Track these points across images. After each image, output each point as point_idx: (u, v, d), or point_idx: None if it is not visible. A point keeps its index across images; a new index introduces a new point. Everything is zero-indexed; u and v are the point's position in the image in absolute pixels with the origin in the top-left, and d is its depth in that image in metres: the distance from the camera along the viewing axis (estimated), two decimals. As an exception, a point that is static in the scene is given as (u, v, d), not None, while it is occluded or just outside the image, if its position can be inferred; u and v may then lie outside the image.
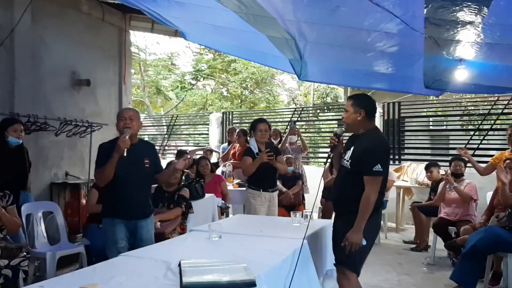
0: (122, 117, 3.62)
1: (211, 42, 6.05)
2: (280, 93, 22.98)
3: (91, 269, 2.64)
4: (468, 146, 8.31)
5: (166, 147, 13.16)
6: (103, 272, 2.47)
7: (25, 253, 3.70)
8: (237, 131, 7.88)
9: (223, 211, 6.38)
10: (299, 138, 7.84)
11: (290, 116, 11.53)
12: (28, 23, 6.27)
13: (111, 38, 8.24)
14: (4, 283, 3.44)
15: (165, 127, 13.93)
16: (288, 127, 8.61)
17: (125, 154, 3.45)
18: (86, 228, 5.17)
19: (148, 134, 13.92)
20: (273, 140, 7.06)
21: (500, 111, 8.57)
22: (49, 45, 6.82)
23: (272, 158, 4.78)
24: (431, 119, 10.84)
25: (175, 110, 20.97)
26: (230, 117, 11.91)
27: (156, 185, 4.84)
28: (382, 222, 4.05)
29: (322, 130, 12.12)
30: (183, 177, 5.75)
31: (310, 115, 12.64)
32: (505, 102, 8.42)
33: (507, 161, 4.93)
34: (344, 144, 3.52)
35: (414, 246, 6.62)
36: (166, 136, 13.37)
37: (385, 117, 9.35)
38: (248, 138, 5.91)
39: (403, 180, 8.21)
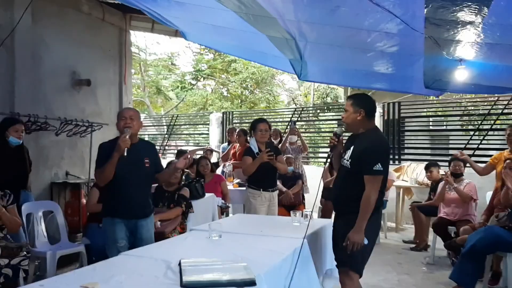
0: (123, 117, 3.62)
1: (211, 42, 6.06)
2: (280, 93, 23.00)
3: (91, 268, 2.65)
4: (468, 146, 8.33)
5: (166, 147, 13.17)
6: (103, 271, 2.47)
7: (25, 253, 3.70)
8: (237, 131, 7.88)
9: (223, 211, 6.39)
10: (299, 138, 7.85)
11: (290, 116, 11.54)
12: (29, 23, 6.27)
13: (111, 38, 8.24)
14: (4, 282, 3.44)
15: (165, 127, 13.93)
16: (288, 127, 8.62)
17: (125, 154, 3.45)
18: (86, 227, 5.17)
19: (148, 134, 13.93)
20: (273, 140, 7.06)
21: (500, 111, 8.57)
22: (49, 45, 6.82)
23: (272, 158, 4.79)
24: (431, 119, 10.84)
25: (175, 110, 20.98)
26: (230, 117, 11.92)
27: (156, 185, 4.84)
28: (382, 221, 4.05)
29: (322, 130, 12.12)
30: (183, 177, 5.75)
31: (310, 115, 12.64)
32: (505, 102, 8.42)
33: (508, 161, 4.93)
34: (343, 144, 3.53)
35: (413, 245, 6.62)
36: (166, 136, 13.38)
37: (385, 117, 9.36)
38: (248, 138, 5.91)
39: (403, 180, 8.22)
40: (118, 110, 6.67)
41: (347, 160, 3.31)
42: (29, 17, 6.23)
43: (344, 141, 3.58)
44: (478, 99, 9.19)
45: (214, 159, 8.81)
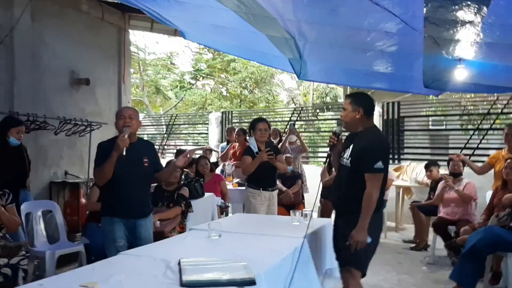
0: (122, 116, 3.62)
1: (211, 42, 6.05)
2: (279, 92, 23.00)
3: (90, 267, 2.64)
4: (468, 145, 8.33)
5: (165, 147, 13.16)
6: (102, 271, 2.47)
7: (24, 252, 3.70)
8: (236, 130, 7.88)
9: (223, 210, 6.39)
10: (298, 139, 7.84)
11: (290, 115, 11.54)
12: (28, 22, 6.27)
13: (110, 37, 8.24)
14: (3, 282, 3.44)
15: (164, 126, 13.92)
16: (288, 128, 8.61)
17: (124, 153, 3.45)
18: (85, 227, 5.17)
19: (147, 134, 13.92)
20: (272, 140, 7.06)
21: (499, 110, 8.58)
22: (48, 44, 6.82)
23: (272, 157, 4.79)
24: (430, 118, 10.84)
25: (174, 110, 20.98)
26: (230, 116, 11.91)
27: (155, 184, 4.84)
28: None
29: (322, 129, 12.12)
30: (183, 176, 5.75)
31: (310, 114, 12.64)
32: (505, 102, 8.42)
33: (508, 160, 4.93)
34: (343, 143, 3.53)
35: (413, 245, 6.62)
36: (165, 135, 13.37)
37: (385, 117, 9.36)
38: (248, 137, 5.91)
39: (402, 179, 8.21)
40: (117, 110, 6.68)
41: (347, 159, 3.31)
42: (28, 16, 6.23)
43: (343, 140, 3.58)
44: (478, 99, 9.19)
45: (213, 158, 8.81)
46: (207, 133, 12.22)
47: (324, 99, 18.81)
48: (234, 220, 4.59)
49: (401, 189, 7.95)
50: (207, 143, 11.71)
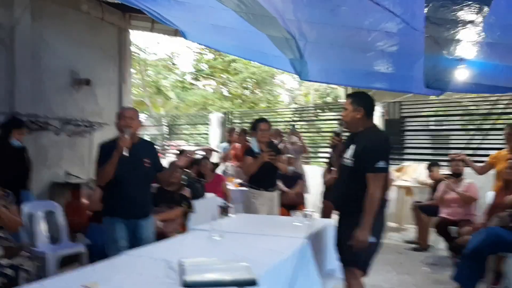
0: (123, 116, 3.63)
1: (211, 42, 6.04)
2: (280, 93, 22.98)
3: (92, 268, 2.64)
4: (469, 145, 8.31)
5: (166, 147, 13.16)
6: (104, 271, 2.47)
7: (26, 253, 3.70)
8: (237, 130, 7.89)
9: (224, 211, 6.38)
10: (300, 142, 7.84)
11: (291, 115, 11.54)
12: (28, 22, 6.28)
13: (111, 37, 8.25)
14: (5, 283, 3.44)
15: (165, 127, 13.93)
16: (288, 129, 8.60)
17: (125, 154, 3.45)
18: (87, 227, 5.17)
19: (148, 134, 13.93)
20: (273, 140, 7.05)
21: (500, 110, 8.56)
22: (49, 44, 6.83)
23: (273, 157, 4.79)
24: (431, 118, 10.82)
25: (175, 110, 20.98)
26: (231, 117, 11.92)
27: (157, 185, 4.84)
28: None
29: (323, 130, 12.11)
30: (184, 177, 5.75)
31: (311, 115, 12.63)
32: (506, 102, 8.41)
33: (510, 160, 4.93)
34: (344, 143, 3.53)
35: (415, 246, 6.62)
36: (166, 136, 13.37)
37: (386, 117, 9.35)
38: (249, 137, 5.91)
39: (404, 180, 8.20)
40: (118, 110, 6.69)
41: (349, 159, 3.30)
42: (28, 16, 6.24)
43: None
44: (479, 99, 9.16)
45: (214, 159, 8.81)
46: (208, 134, 12.22)
47: (325, 99, 18.79)
48: (235, 221, 4.59)
49: (402, 189, 7.95)
50: (208, 143, 11.71)
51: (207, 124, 12.47)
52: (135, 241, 3.65)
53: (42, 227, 4.77)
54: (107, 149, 3.56)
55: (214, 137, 11.80)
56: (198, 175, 6.30)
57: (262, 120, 5.24)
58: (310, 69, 5.27)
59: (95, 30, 7.77)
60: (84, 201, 6.63)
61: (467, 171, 6.12)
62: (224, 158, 8.12)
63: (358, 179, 3.21)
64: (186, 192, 5.02)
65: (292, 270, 2.90)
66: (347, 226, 3.25)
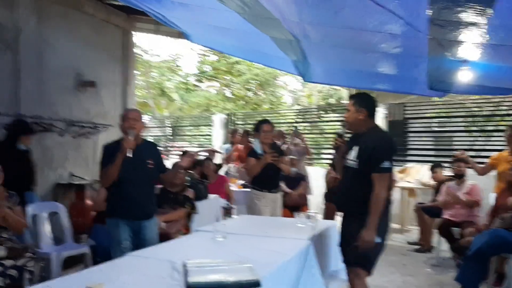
0: (127, 118, 3.64)
1: (215, 44, 6.06)
2: (283, 94, 22.96)
3: (97, 269, 2.66)
4: (472, 147, 8.30)
5: (170, 148, 13.17)
6: (109, 272, 2.48)
7: (30, 254, 3.71)
8: (239, 131, 7.90)
9: (227, 212, 6.40)
10: (302, 142, 7.84)
11: (294, 117, 11.54)
12: (33, 24, 6.31)
13: (115, 39, 8.28)
14: (9, 283, 3.45)
15: (169, 128, 13.95)
16: (291, 131, 8.60)
17: (129, 155, 3.47)
18: (91, 228, 5.19)
19: (152, 135, 13.95)
20: (276, 141, 7.06)
21: (504, 112, 8.55)
22: (54, 46, 6.85)
23: (276, 159, 4.79)
24: (435, 120, 10.82)
25: (179, 112, 21.00)
26: (234, 118, 11.93)
27: (160, 186, 4.86)
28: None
29: (326, 131, 12.11)
30: (188, 178, 5.76)
31: (314, 116, 12.63)
32: (509, 104, 8.39)
33: (512, 161, 4.93)
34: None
35: (418, 247, 6.61)
36: (170, 137, 13.40)
37: (389, 118, 9.35)
38: (252, 139, 5.91)
39: (407, 181, 8.20)
40: (122, 112, 6.72)
41: (353, 160, 3.31)
42: (33, 18, 6.27)
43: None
44: (482, 100, 9.15)
45: (218, 160, 8.82)
46: (211, 135, 12.24)
47: (328, 100, 18.78)
48: (239, 222, 4.59)
49: (405, 190, 7.94)
50: (211, 144, 11.72)
51: (210, 125, 12.48)
52: (139, 242, 3.66)
53: (46, 228, 4.79)
54: (111, 151, 3.57)
55: (217, 138, 11.81)
56: (201, 176, 6.32)
57: (265, 121, 5.24)
58: (313, 70, 5.29)
59: (99, 32, 7.80)
60: (88, 202, 6.66)
61: (469, 172, 6.11)
62: (227, 160, 8.13)
63: (362, 180, 3.21)
64: (189, 193, 5.03)
65: (295, 272, 2.91)
66: (352, 227, 3.25)
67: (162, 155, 4.14)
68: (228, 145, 8.95)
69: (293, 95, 22.97)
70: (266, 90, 21.31)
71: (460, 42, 3.59)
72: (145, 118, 13.39)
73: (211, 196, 5.77)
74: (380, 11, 2.99)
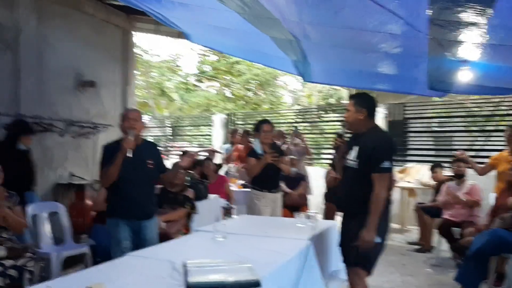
0: (127, 118, 3.64)
1: (215, 44, 6.06)
2: (283, 94, 22.96)
3: (97, 269, 2.66)
4: (472, 147, 8.30)
5: (170, 148, 13.18)
6: (109, 272, 2.49)
7: (30, 254, 3.71)
8: (239, 131, 7.90)
9: (227, 212, 6.39)
10: (303, 142, 7.84)
11: (294, 117, 11.54)
12: (33, 24, 6.31)
13: (115, 39, 8.28)
14: (9, 283, 3.45)
15: (169, 128, 13.96)
16: (291, 131, 8.61)
17: (129, 155, 3.47)
18: (91, 228, 5.20)
19: (152, 135, 13.95)
20: (276, 141, 7.06)
21: (504, 112, 8.55)
22: (54, 46, 6.86)
23: (277, 159, 4.79)
24: (435, 120, 10.83)
25: (179, 112, 21.01)
26: (234, 118, 11.94)
27: (160, 186, 4.86)
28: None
29: (326, 131, 12.11)
30: (188, 178, 5.77)
31: (314, 116, 12.63)
32: (509, 104, 8.39)
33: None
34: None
35: (418, 247, 6.61)
36: (170, 137, 13.40)
37: (389, 118, 9.35)
38: (252, 139, 5.91)
39: (407, 181, 8.20)
40: (122, 112, 6.72)
41: (353, 161, 3.31)
42: (33, 18, 6.27)
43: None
44: (482, 100, 9.15)
45: (217, 160, 8.82)
46: (211, 135, 12.24)
47: (328, 100, 18.78)
48: (239, 222, 4.59)
49: (405, 190, 7.94)
50: (211, 144, 11.72)
51: (210, 125, 12.49)
52: (139, 242, 3.66)
53: (46, 228, 4.79)
54: (111, 151, 3.57)
55: (217, 138, 11.81)
56: (201, 176, 6.32)
57: (265, 121, 5.24)
58: (313, 70, 5.30)
59: (99, 32, 7.80)
60: (88, 202, 6.66)
61: (469, 172, 6.12)
62: (227, 160, 8.13)
63: (362, 180, 3.22)
64: (190, 193, 5.03)
65: (295, 272, 2.91)
66: (353, 227, 3.25)
67: (162, 155, 4.14)
68: (228, 145, 8.95)
69: (293, 95, 22.97)
70: (266, 90, 21.32)
71: (460, 42, 3.59)
72: (145, 118, 13.40)
73: (211, 196, 5.78)
74: (380, 11, 3.00)
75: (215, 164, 6.99)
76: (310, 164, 9.67)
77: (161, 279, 2.35)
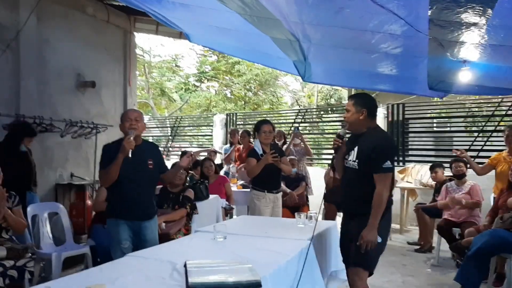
0: (127, 118, 3.63)
1: (216, 44, 6.06)
2: (283, 94, 22.98)
3: (98, 269, 2.66)
4: (472, 147, 8.31)
5: (170, 149, 13.19)
6: (110, 273, 2.48)
7: (30, 254, 3.71)
8: (240, 132, 7.90)
9: (227, 212, 6.40)
10: (303, 143, 7.84)
11: (294, 117, 11.55)
12: (34, 24, 6.31)
13: (116, 40, 8.29)
14: (9, 284, 3.45)
15: (169, 128, 13.97)
16: (292, 132, 8.62)
17: (130, 155, 3.47)
18: (91, 228, 5.20)
19: (152, 136, 13.96)
20: (277, 142, 7.06)
21: (504, 112, 8.56)
22: (54, 46, 6.86)
23: (277, 159, 4.79)
24: (435, 120, 10.85)
25: (179, 112, 21.03)
26: (234, 118, 11.94)
27: (161, 186, 4.86)
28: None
29: (326, 131, 12.12)
30: (188, 178, 5.77)
31: (314, 116, 12.64)
32: (509, 104, 8.40)
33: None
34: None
35: (418, 247, 6.61)
36: (170, 137, 13.42)
37: (390, 119, 9.35)
38: (252, 139, 5.91)
39: (407, 181, 8.20)
40: (122, 112, 6.73)
41: (354, 161, 3.30)
42: (34, 19, 6.27)
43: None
44: (482, 101, 9.17)
45: (218, 160, 8.82)
46: (211, 135, 12.25)
47: (329, 101, 18.79)
48: (239, 222, 4.59)
49: (405, 191, 7.94)
50: (212, 145, 11.73)
51: (210, 125, 12.50)
52: (139, 243, 3.66)
53: (46, 229, 4.79)
54: (111, 151, 3.57)
55: (217, 138, 11.82)
56: (201, 177, 6.32)
57: (265, 122, 5.23)
58: (313, 70, 5.29)
59: (100, 33, 7.81)
60: (88, 202, 6.66)
61: (469, 172, 6.12)
62: (227, 160, 8.13)
63: (363, 181, 3.22)
64: (190, 193, 5.02)
65: (295, 272, 2.91)
66: (353, 227, 3.25)
67: (162, 155, 4.14)
68: (227, 146, 8.95)
69: (294, 95, 22.99)
70: (266, 91, 21.34)
71: (460, 43, 3.59)
72: (146, 118, 13.40)
73: (211, 197, 5.77)
74: (380, 11, 3.00)
75: (215, 164, 6.99)
76: (310, 164, 9.68)
77: (161, 279, 2.35)
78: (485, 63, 4.24)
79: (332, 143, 3.58)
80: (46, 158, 6.66)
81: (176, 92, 21.89)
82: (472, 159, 6.38)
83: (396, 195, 7.63)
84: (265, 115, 13.46)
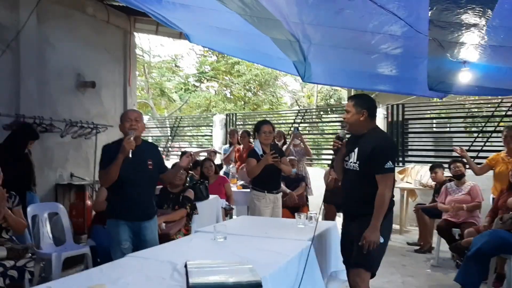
0: (127, 119, 3.63)
1: (215, 44, 6.07)
2: (283, 95, 22.98)
3: (98, 269, 2.66)
4: (472, 148, 8.31)
5: (170, 149, 13.19)
6: (110, 273, 2.49)
7: (30, 254, 3.71)
8: (240, 132, 7.91)
9: (227, 213, 6.40)
10: (302, 144, 7.85)
11: (294, 117, 11.55)
12: (34, 24, 6.31)
13: (116, 40, 8.29)
14: (10, 284, 3.45)
15: (169, 128, 13.97)
16: (292, 132, 8.62)
17: (130, 155, 3.47)
18: (91, 229, 5.20)
19: (152, 136, 13.97)
20: (276, 142, 7.07)
21: (503, 113, 8.56)
22: (54, 46, 6.86)
23: (277, 160, 4.79)
24: (434, 121, 10.86)
25: (178, 112, 21.04)
26: (234, 119, 11.95)
27: (161, 186, 4.86)
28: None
29: (326, 132, 12.13)
30: (188, 178, 5.77)
31: (314, 117, 12.64)
32: (509, 104, 8.40)
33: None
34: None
35: (418, 248, 6.62)
36: (170, 137, 13.42)
37: (389, 119, 9.36)
38: (252, 140, 5.91)
39: (407, 182, 8.21)
40: (122, 112, 6.73)
41: (354, 163, 3.30)
42: (34, 19, 6.27)
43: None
44: (482, 101, 9.17)
45: (218, 160, 8.83)
46: (211, 135, 12.25)
47: (328, 101, 18.80)
48: (239, 223, 4.60)
49: (405, 191, 7.95)
50: (211, 145, 11.73)
51: (210, 126, 12.50)
52: (139, 243, 3.66)
53: (46, 229, 4.79)
54: (111, 151, 3.57)
55: (217, 138, 11.82)
56: (201, 177, 6.32)
57: (265, 122, 5.23)
58: (313, 71, 5.29)
59: (100, 33, 7.81)
60: (89, 202, 6.66)
61: (468, 172, 6.12)
62: (227, 160, 8.14)
63: (364, 182, 3.22)
64: (190, 193, 5.03)
65: (295, 272, 2.91)
66: (354, 228, 3.25)
67: (162, 156, 4.14)
68: (226, 146, 8.95)
69: (293, 95, 22.99)
70: (266, 91, 21.34)
71: (460, 43, 3.60)
72: (145, 119, 13.41)
73: (211, 197, 5.77)
74: (380, 12, 3.00)
75: (215, 164, 6.99)
76: (310, 165, 9.68)
77: (161, 280, 2.35)
78: (485, 64, 4.24)
79: (331, 143, 3.58)
80: (46, 158, 6.66)
81: (175, 92, 21.89)
82: (472, 159, 6.38)
83: (396, 195, 7.61)
84: (264, 116, 13.47)
